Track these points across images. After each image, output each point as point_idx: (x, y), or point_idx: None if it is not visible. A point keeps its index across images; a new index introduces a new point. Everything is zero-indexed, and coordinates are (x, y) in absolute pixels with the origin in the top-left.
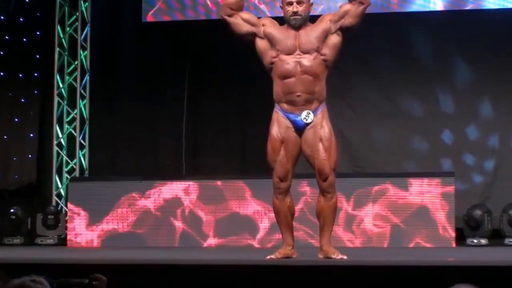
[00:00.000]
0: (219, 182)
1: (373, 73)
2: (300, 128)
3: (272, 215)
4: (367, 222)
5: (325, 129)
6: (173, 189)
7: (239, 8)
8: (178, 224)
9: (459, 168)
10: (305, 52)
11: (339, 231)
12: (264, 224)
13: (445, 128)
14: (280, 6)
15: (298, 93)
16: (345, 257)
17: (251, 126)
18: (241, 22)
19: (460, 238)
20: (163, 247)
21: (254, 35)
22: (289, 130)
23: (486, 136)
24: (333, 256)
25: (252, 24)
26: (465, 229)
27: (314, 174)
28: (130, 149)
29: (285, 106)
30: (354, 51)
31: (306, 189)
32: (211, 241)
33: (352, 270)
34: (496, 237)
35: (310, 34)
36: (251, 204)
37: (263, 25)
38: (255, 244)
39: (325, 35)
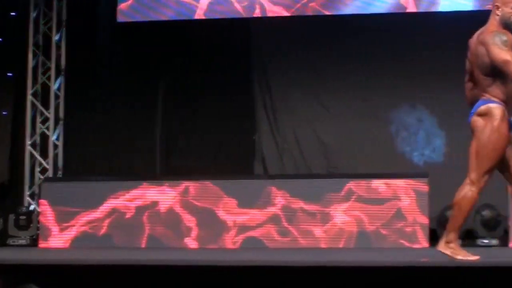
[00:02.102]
0: (193, 183)
1: (348, 73)
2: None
3: (243, 218)
4: (339, 222)
5: None
6: (146, 190)
7: None
8: (152, 225)
9: (433, 168)
10: None
11: (312, 230)
12: (235, 224)
13: (420, 128)
14: (496, 6)
15: None
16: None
17: (225, 127)
18: None
19: (434, 238)
20: (135, 248)
21: None
22: (508, 129)
23: (459, 137)
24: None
25: None
26: (439, 230)
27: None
28: (104, 149)
29: (506, 108)
30: (330, 52)
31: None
32: (189, 242)
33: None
34: (469, 237)
35: None
36: (225, 205)
37: None
38: (227, 244)
39: None
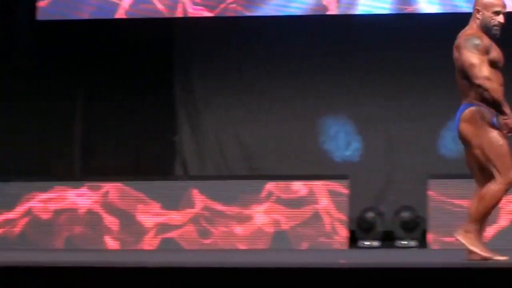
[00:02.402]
0: (112, 184)
1: (271, 75)
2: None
3: (162, 219)
4: (259, 223)
5: None
6: (64, 191)
7: None
8: (70, 226)
9: (353, 170)
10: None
11: (231, 231)
12: (154, 225)
13: (340, 130)
14: (477, 10)
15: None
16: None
17: (146, 128)
18: None
19: (353, 240)
20: (51, 250)
21: None
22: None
23: (380, 138)
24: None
25: None
26: (358, 231)
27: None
28: (21, 149)
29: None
30: (253, 53)
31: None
32: (108, 243)
33: (233, 272)
34: (387, 239)
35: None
36: (144, 206)
37: None
38: (145, 246)
39: None
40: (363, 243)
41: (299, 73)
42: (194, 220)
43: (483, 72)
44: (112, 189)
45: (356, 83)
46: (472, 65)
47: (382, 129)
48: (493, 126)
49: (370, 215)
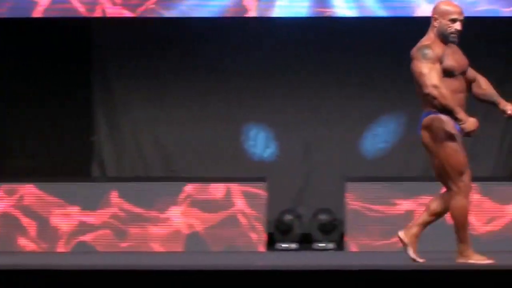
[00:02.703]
0: (27, 185)
1: (190, 78)
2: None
3: (78, 221)
4: (176, 225)
5: None
6: None
7: None
8: None
9: (271, 172)
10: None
11: (148, 233)
12: (69, 227)
13: (259, 133)
14: (434, 17)
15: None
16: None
17: (63, 129)
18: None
19: (270, 242)
20: None
21: None
22: (460, 136)
23: (299, 141)
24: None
25: None
26: (275, 234)
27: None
28: None
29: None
30: (172, 55)
31: None
32: (26, 245)
33: (148, 274)
34: (305, 241)
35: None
36: (61, 208)
37: None
38: (60, 248)
39: None
40: (281, 246)
41: (218, 75)
42: (111, 222)
43: (431, 80)
44: (28, 191)
45: (275, 87)
46: (421, 75)
47: (300, 131)
48: (452, 134)
49: (288, 217)
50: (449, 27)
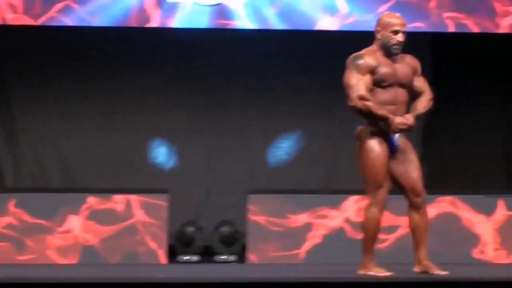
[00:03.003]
0: None
1: (92, 88)
2: (391, 148)
3: None
4: (75, 237)
5: (413, 150)
6: None
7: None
8: None
9: (173, 183)
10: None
11: (47, 245)
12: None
13: (161, 145)
14: (377, 30)
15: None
16: (446, 272)
17: None
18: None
19: (172, 254)
20: None
21: None
22: (384, 148)
23: (201, 153)
24: (435, 272)
25: None
26: (177, 246)
27: (403, 193)
28: None
29: (380, 127)
30: (72, 65)
31: None
32: None
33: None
34: (207, 254)
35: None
36: None
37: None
38: None
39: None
40: (183, 258)
41: (120, 85)
42: (8, 234)
43: (358, 91)
44: None
45: (177, 98)
46: (348, 86)
47: (203, 143)
48: (374, 147)
49: (189, 229)
50: (392, 38)
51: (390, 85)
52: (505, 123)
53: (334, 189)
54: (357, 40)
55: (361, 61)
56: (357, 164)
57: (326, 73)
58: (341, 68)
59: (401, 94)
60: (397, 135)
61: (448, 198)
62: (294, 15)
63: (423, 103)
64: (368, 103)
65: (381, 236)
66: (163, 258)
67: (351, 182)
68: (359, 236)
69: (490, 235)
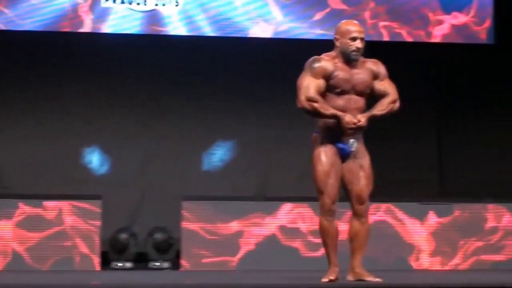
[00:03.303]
0: None
1: (22, 94)
2: (344, 155)
3: None
4: (7, 243)
5: (366, 158)
6: None
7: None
8: None
9: (106, 190)
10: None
11: None
12: None
13: (95, 150)
14: (336, 38)
15: None
16: (379, 279)
17: None
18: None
19: (105, 261)
20: None
21: None
22: (335, 155)
23: (135, 159)
24: (368, 279)
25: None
26: (110, 252)
27: (348, 199)
28: None
29: (333, 134)
30: (7, 66)
31: None
32: None
33: None
34: (141, 260)
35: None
36: None
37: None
38: None
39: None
40: (116, 264)
41: (52, 90)
42: None
43: (306, 93)
44: None
45: (112, 103)
46: (299, 88)
47: (137, 149)
48: (322, 156)
49: (123, 236)
50: (350, 45)
51: (345, 92)
52: (437, 133)
53: (268, 196)
54: (292, 47)
55: (317, 65)
56: (290, 171)
57: (260, 80)
58: (276, 76)
59: (355, 101)
60: (351, 141)
61: (384, 205)
62: (226, 23)
63: (383, 106)
64: (316, 105)
65: None
66: (96, 264)
67: (285, 189)
68: (292, 243)
69: (425, 242)
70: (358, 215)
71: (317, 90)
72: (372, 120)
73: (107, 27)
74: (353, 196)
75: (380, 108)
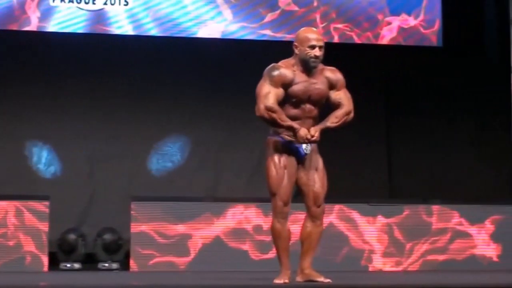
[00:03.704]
0: None
1: None
2: (299, 157)
3: None
4: None
5: (320, 160)
6: None
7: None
8: None
9: (54, 190)
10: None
11: None
12: None
13: (43, 150)
14: (295, 45)
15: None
16: (329, 280)
17: None
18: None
19: (54, 262)
20: None
21: None
22: (289, 157)
23: (83, 159)
24: (318, 279)
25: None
26: (59, 253)
27: (304, 201)
28: None
29: (287, 136)
30: None
31: None
32: None
33: None
34: (89, 261)
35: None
36: None
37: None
38: None
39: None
40: (65, 265)
41: (1, 91)
42: None
43: (265, 102)
44: None
45: (61, 103)
46: (258, 96)
47: (85, 149)
48: (275, 158)
49: (71, 236)
50: (308, 53)
51: (301, 102)
52: (386, 135)
53: (217, 197)
54: (241, 48)
55: (276, 73)
56: (239, 172)
57: (209, 80)
58: (225, 75)
59: (309, 110)
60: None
61: (335, 206)
62: (174, 22)
63: (336, 118)
64: (274, 115)
65: None
66: (44, 265)
67: (234, 191)
68: (241, 244)
69: (375, 243)
70: (313, 217)
71: (276, 99)
72: (325, 131)
73: (53, 26)
74: (310, 198)
75: (334, 120)
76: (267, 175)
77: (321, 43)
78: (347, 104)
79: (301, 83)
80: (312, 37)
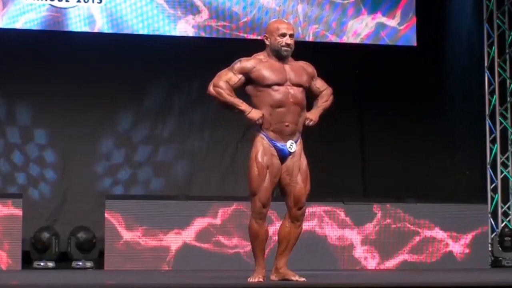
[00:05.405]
0: None
1: None
2: (283, 157)
3: None
4: None
5: (304, 160)
6: None
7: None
8: None
9: (28, 189)
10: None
11: None
12: None
13: (15, 149)
14: (265, 36)
15: (287, 123)
16: (304, 279)
17: None
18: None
19: (27, 261)
20: None
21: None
22: (273, 157)
23: (57, 157)
24: (293, 278)
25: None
26: (32, 252)
27: (286, 201)
28: None
29: (271, 134)
30: None
31: None
32: None
33: None
34: (63, 260)
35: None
36: None
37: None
38: None
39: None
40: (38, 264)
41: None
42: None
43: (214, 81)
44: None
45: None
46: (211, 82)
47: (58, 147)
48: (258, 156)
49: (45, 235)
50: (279, 42)
51: (279, 84)
52: (360, 135)
53: (191, 196)
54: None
55: (238, 64)
56: (213, 171)
57: (185, 79)
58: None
59: (293, 95)
60: (290, 142)
61: (311, 206)
62: (120, 21)
63: (323, 98)
64: (220, 90)
65: None
66: (17, 264)
67: (208, 189)
68: (216, 242)
69: (350, 242)
70: (294, 218)
71: (227, 81)
72: (322, 113)
73: (15, 23)
74: (291, 199)
75: (323, 100)
76: (248, 174)
77: (291, 31)
78: (327, 87)
79: (272, 66)
80: (282, 26)
